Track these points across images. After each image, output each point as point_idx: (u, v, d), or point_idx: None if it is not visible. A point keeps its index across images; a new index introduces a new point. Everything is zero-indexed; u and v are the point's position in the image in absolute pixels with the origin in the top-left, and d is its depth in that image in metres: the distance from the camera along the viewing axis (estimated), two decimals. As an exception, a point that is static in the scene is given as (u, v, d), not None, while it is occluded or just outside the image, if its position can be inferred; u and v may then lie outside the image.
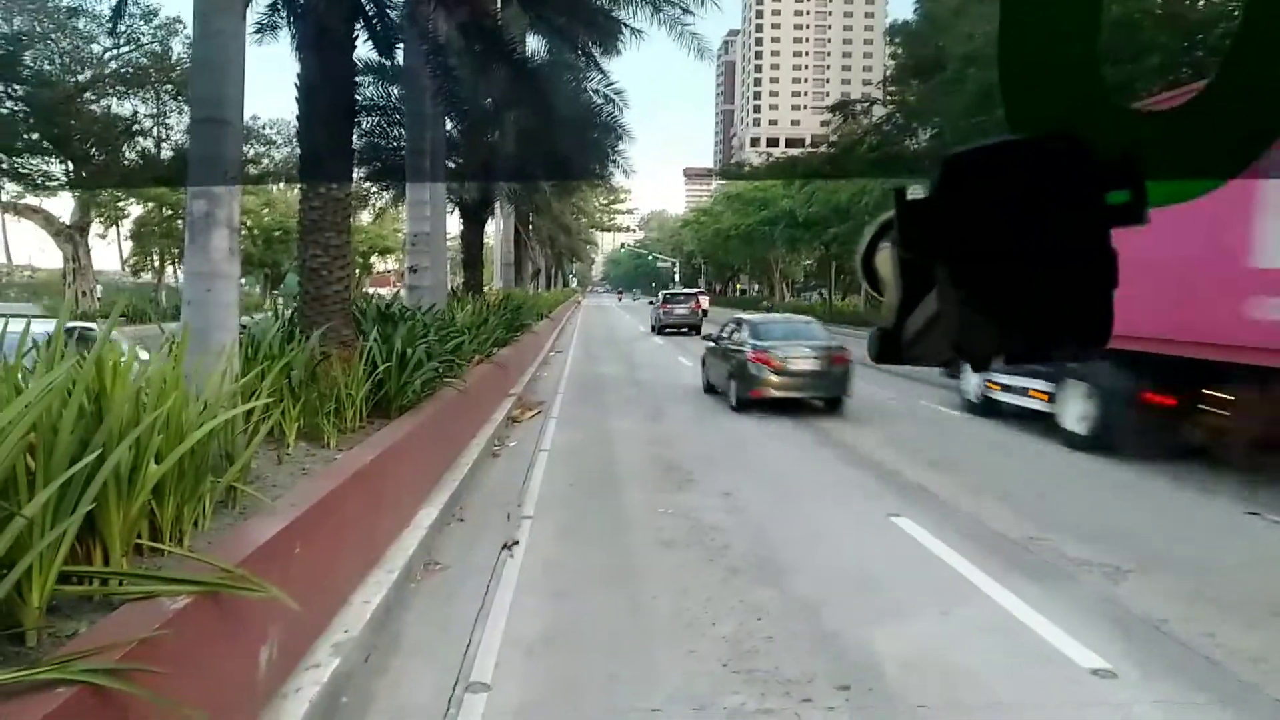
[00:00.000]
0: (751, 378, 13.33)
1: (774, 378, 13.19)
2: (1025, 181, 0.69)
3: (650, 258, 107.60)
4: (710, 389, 15.85)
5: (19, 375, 3.45)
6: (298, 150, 10.34)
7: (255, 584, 3.33)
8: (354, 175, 17.57)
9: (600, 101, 21.28)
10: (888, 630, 4.86)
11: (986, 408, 13.19)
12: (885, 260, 0.86)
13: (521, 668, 4.33)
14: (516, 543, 6.43)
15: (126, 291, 39.69)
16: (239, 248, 6.02)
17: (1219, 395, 9.03)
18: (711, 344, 15.90)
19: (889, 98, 37.41)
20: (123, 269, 49.58)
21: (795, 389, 13.33)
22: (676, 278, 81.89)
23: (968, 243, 0.70)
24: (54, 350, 3.51)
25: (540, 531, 6.77)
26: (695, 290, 46.00)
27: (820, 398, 13.71)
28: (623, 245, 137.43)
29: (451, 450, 8.76)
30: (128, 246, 47.11)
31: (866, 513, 7.52)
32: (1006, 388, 12.56)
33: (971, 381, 13.58)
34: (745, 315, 15.61)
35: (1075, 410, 10.74)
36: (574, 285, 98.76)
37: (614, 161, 24.58)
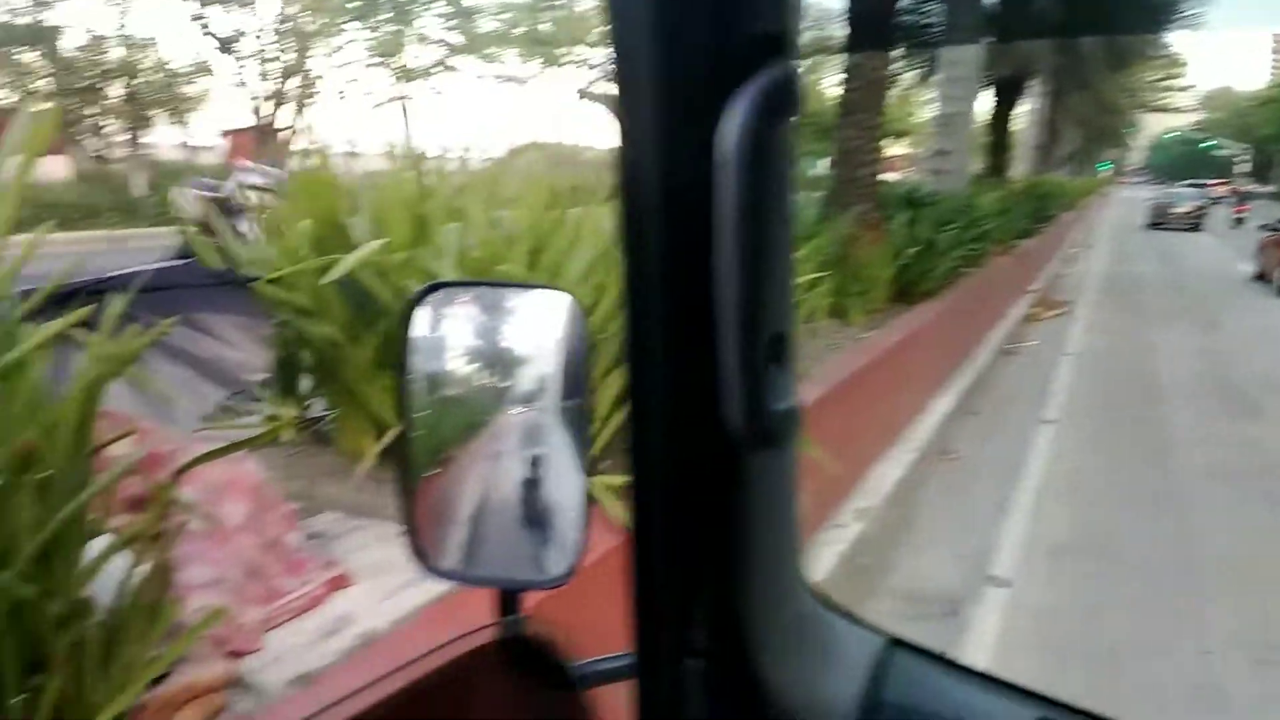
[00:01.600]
0: None
1: None
2: None
3: (1208, 144, 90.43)
4: None
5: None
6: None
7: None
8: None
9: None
10: None
11: None
12: None
13: (1045, 572, 4.16)
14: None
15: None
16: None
17: None
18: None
19: None
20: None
21: None
22: (1249, 166, 67.94)
23: None
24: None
25: (1066, 439, 6.33)
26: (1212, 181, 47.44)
27: None
28: (1173, 128, 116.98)
29: (967, 341, 8.50)
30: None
31: None
32: None
33: None
34: None
35: None
36: (1107, 173, 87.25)
37: (1175, 20, 20.76)
